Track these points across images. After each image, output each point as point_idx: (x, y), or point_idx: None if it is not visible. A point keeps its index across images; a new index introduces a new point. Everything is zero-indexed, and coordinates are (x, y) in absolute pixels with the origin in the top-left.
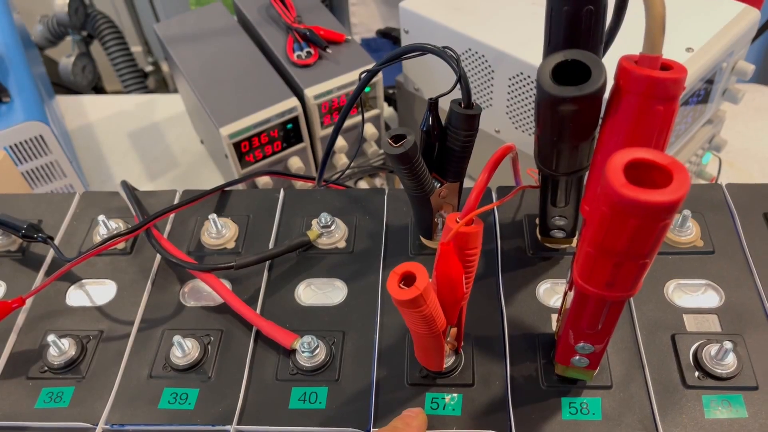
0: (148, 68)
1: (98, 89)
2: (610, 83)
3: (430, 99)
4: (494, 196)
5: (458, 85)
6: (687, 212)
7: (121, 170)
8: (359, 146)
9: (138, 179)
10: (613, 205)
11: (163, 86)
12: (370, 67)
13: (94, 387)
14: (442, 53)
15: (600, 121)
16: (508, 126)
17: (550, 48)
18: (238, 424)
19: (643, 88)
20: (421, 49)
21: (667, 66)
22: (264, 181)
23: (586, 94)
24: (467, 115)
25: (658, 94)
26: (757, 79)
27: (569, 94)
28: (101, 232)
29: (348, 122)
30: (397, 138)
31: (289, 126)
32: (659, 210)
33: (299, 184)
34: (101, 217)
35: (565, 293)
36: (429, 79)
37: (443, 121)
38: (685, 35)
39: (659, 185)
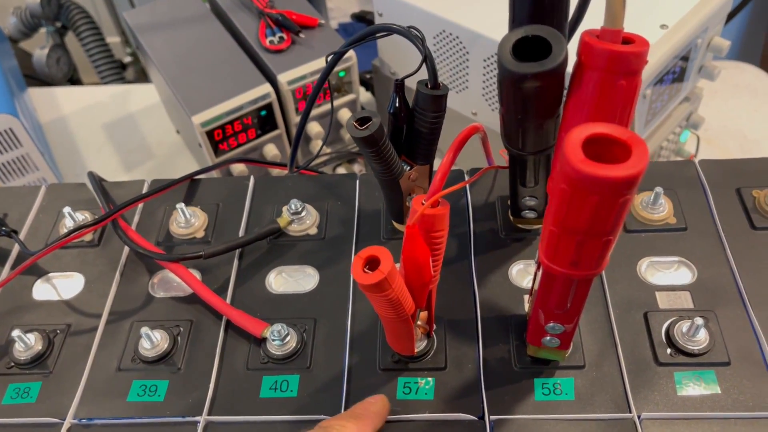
0: (127, 59)
1: (75, 81)
2: (573, 59)
3: (396, 80)
4: (466, 178)
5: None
6: (659, 189)
7: (96, 162)
8: (328, 131)
9: (114, 171)
10: (572, 181)
11: (143, 77)
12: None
13: (61, 382)
14: (407, 33)
15: (564, 97)
16: (484, 108)
17: (514, 25)
18: (208, 414)
19: (605, 62)
20: (386, 30)
21: (628, 40)
22: (239, 170)
23: (547, 70)
24: (434, 96)
25: (619, 68)
26: (736, 56)
27: (530, 71)
28: (67, 224)
29: (325, 107)
30: (363, 120)
31: (263, 113)
32: (618, 185)
33: (275, 171)
34: (67, 209)
35: (535, 273)
36: (405, 62)
37: (411, 103)
38: (659, 12)
39: (620, 160)
